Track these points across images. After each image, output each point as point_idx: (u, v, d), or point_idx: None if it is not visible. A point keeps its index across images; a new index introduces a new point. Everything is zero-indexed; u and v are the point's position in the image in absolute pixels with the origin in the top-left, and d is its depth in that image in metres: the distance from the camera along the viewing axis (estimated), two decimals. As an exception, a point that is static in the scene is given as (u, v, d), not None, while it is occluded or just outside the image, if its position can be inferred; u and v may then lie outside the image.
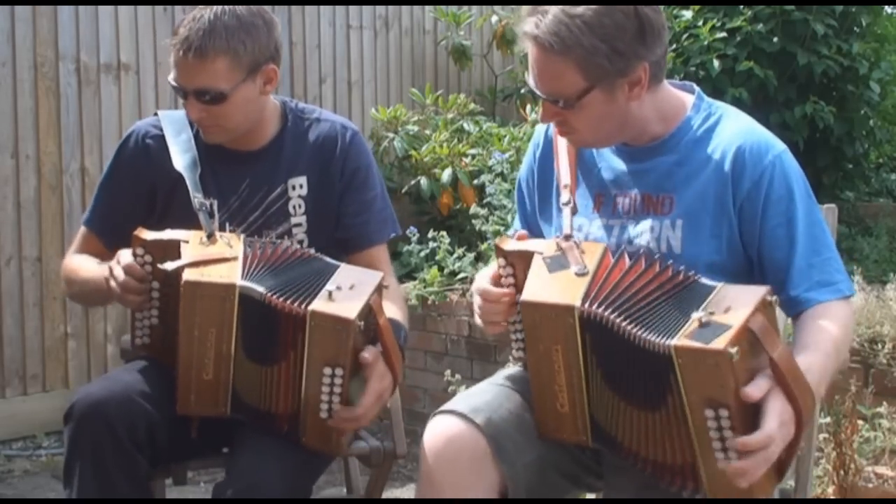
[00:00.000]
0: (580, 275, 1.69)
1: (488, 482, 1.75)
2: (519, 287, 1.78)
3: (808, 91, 5.01)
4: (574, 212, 1.85)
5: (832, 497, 2.85)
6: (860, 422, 2.93)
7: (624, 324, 1.59)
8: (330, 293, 1.85)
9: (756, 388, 1.51)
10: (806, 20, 4.88)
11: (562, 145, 1.92)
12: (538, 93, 1.78)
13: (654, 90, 1.80)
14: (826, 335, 1.68)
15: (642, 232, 1.82)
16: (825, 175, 5.32)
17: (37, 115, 4.30)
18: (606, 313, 1.61)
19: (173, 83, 2.06)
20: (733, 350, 1.49)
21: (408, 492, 3.74)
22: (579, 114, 1.76)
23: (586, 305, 1.64)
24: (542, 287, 1.69)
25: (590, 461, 1.88)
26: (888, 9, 6.01)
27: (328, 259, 2.00)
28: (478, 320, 1.86)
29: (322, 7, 5.19)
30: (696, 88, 1.90)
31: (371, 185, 2.24)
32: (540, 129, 2.02)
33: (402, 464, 3.90)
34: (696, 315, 1.55)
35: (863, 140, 5.51)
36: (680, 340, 1.53)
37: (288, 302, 1.84)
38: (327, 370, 1.84)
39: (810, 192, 1.81)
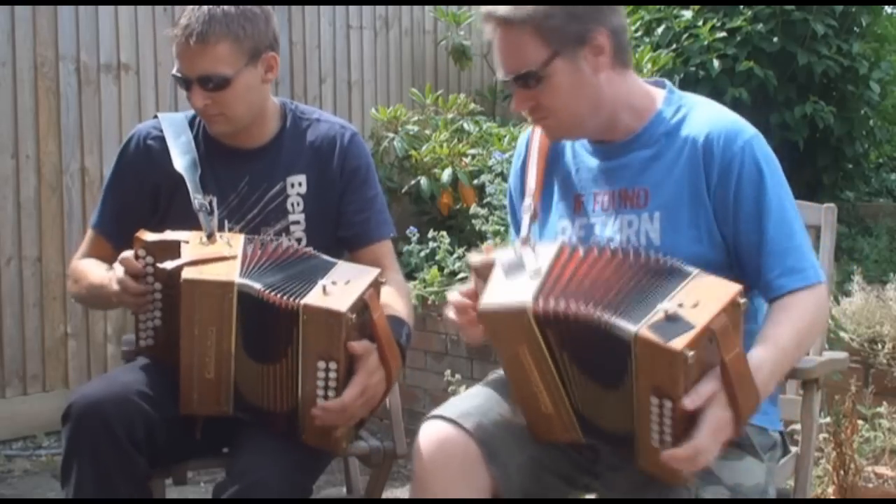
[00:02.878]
0: (534, 275, 1.71)
1: (479, 486, 1.76)
2: None
3: (808, 91, 5.01)
4: (533, 218, 1.89)
5: (832, 497, 2.85)
6: (860, 422, 2.92)
7: (584, 311, 1.61)
8: (324, 287, 1.86)
9: (697, 397, 1.54)
10: (806, 20, 4.87)
11: (535, 152, 1.96)
12: (507, 80, 1.81)
13: (623, 73, 1.84)
14: (788, 329, 1.70)
15: (621, 227, 1.84)
16: (825, 175, 5.32)
17: (37, 115, 4.29)
18: (561, 306, 1.63)
19: (177, 74, 2.11)
20: (690, 353, 1.51)
21: (408, 492, 3.73)
22: (548, 90, 1.79)
23: (539, 302, 1.65)
24: (496, 294, 1.72)
25: (586, 461, 1.88)
26: (888, 9, 6.00)
27: (326, 257, 2.02)
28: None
29: (322, 7, 5.19)
30: (668, 83, 1.93)
31: (371, 183, 2.27)
32: (522, 137, 2.05)
33: (402, 464, 3.88)
34: (663, 305, 1.56)
35: (863, 140, 5.51)
36: (642, 330, 1.55)
37: (283, 297, 1.85)
38: (321, 364, 1.85)
39: (782, 176, 1.82)
